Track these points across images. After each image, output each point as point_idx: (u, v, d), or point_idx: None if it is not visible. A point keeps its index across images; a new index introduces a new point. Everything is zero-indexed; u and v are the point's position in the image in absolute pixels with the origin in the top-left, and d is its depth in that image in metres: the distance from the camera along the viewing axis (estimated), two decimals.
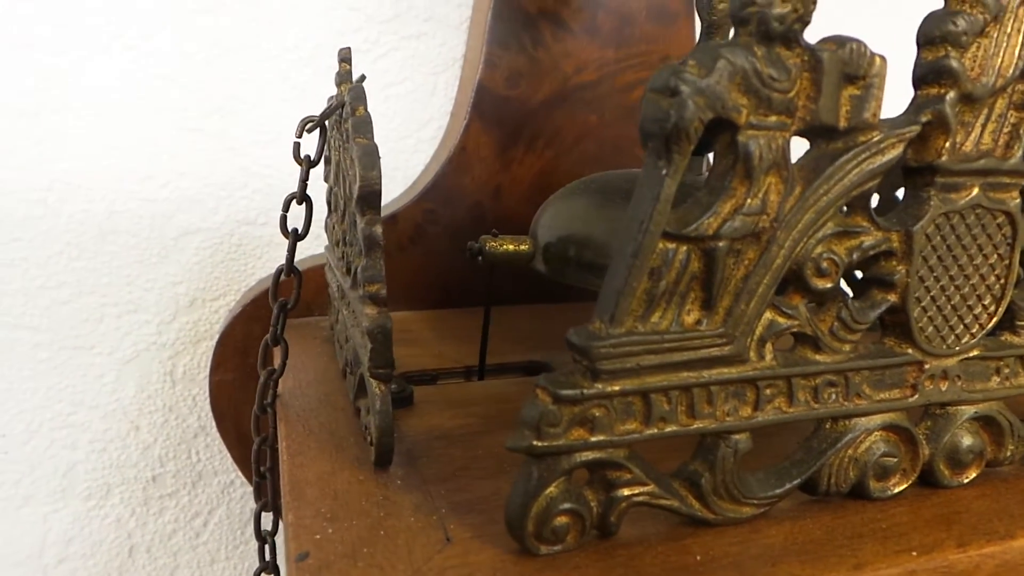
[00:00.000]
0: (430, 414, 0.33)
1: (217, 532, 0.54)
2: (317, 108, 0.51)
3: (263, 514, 0.37)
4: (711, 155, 0.23)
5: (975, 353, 0.27)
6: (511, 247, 0.37)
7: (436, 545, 0.23)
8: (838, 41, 0.22)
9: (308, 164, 0.33)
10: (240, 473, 0.52)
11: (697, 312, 0.23)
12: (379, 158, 0.26)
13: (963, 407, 0.27)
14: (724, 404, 0.23)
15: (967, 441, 0.27)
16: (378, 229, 0.26)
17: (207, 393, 0.51)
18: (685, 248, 0.22)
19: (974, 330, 0.26)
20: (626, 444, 0.22)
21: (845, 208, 0.24)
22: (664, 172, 0.21)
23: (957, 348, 0.26)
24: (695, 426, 0.23)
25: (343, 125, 0.30)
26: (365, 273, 0.26)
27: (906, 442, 0.26)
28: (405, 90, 0.52)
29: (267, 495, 0.36)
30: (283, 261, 0.34)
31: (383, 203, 0.50)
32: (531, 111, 0.51)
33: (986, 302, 0.26)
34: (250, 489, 0.54)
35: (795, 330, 0.24)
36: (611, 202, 0.37)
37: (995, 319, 0.27)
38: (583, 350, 0.22)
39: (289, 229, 0.34)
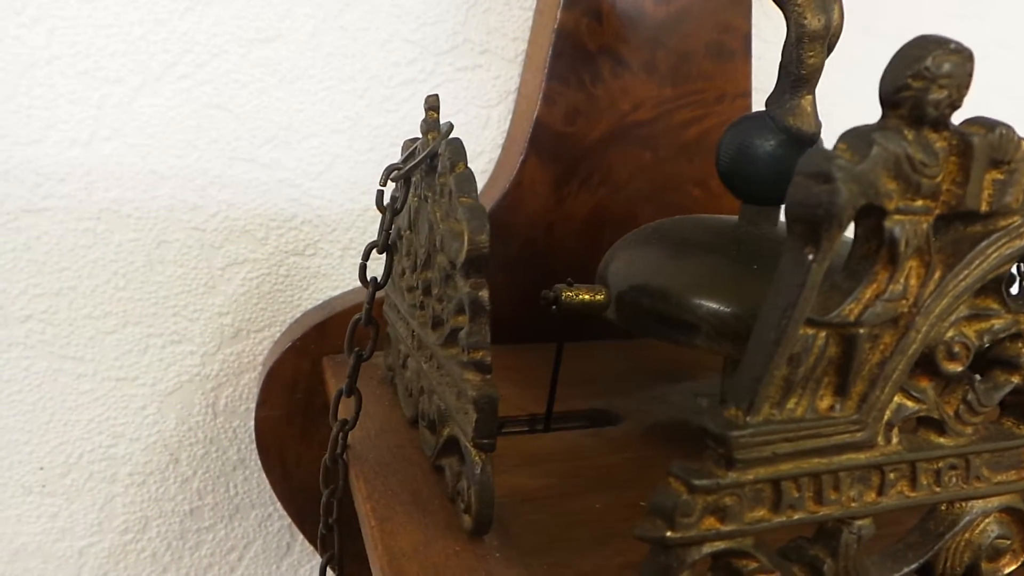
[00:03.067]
0: (507, 472, 0.32)
1: (252, 566, 0.53)
2: (369, 140, 0.50)
3: (328, 569, 0.36)
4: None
5: None
6: (587, 297, 0.36)
7: None
8: (987, 125, 0.21)
9: (392, 213, 0.32)
10: (279, 506, 0.51)
11: (830, 398, 0.22)
12: (487, 220, 0.26)
13: None
14: (850, 490, 0.23)
15: None
16: (485, 295, 0.26)
17: (248, 426, 0.50)
18: (824, 334, 0.21)
19: None
20: (754, 532, 0.22)
21: (979, 291, 0.23)
22: (811, 258, 0.20)
23: None
24: (821, 512, 0.22)
25: (438, 178, 0.29)
26: (471, 339, 0.26)
27: (1019, 523, 0.26)
28: (459, 122, 0.52)
29: (332, 548, 0.35)
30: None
31: None
32: (587, 148, 0.50)
33: None
34: (287, 523, 0.53)
35: (922, 414, 0.23)
36: (686, 252, 0.36)
37: None
38: (721, 439, 0.21)
39: (368, 278, 0.33)
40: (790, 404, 0.21)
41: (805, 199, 0.20)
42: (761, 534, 0.22)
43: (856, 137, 0.20)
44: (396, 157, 0.37)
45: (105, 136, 0.45)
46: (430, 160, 0.31)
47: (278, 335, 0.50)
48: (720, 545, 0.21)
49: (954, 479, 0.24)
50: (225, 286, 0.49)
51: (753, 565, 0.22)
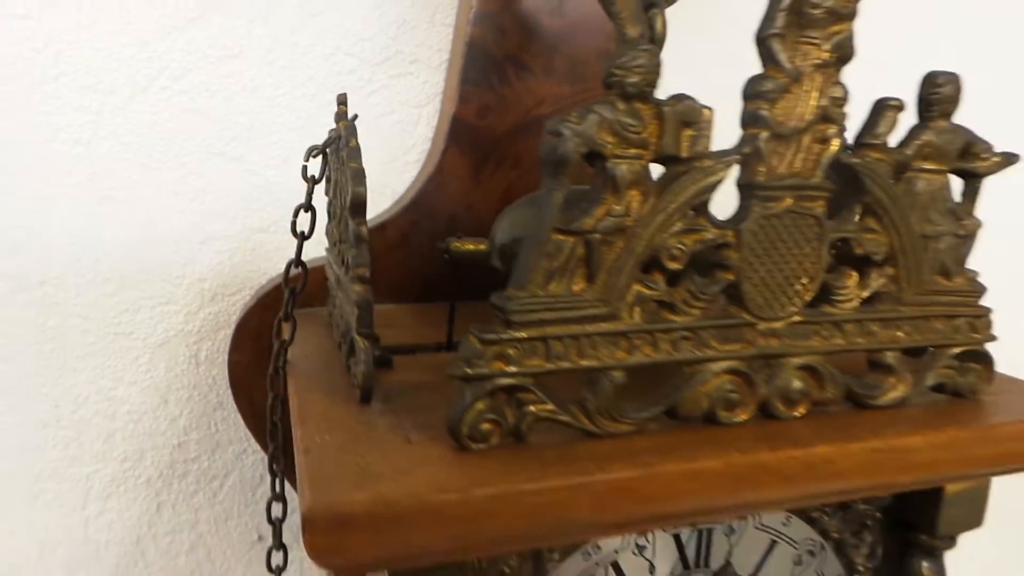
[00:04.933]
0: (406, 372, 0.43)
1: (232, 493, 0.64)
2: (319, 136, 0.61)
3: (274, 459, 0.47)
4: None
5: (797, 319, 0.36)
6: (471, 247, 0.47)
7: (400, 444, 0.33)
8: (678, 98, 0.32)
9: (312, 182, 0.43)
10: (253, 442, 0.62)
11: (582, 283, 0.33)
12: (365, 177, 0.37)
13: (791, 359, 0.37)
14: (604, 349, 0.33)
15: (796, 384, 0.37)
16: (364, 229, 0.36)
17: (225, 374, 0.61)
18: (572, 239, 0.32)
19: (795, 302, 0.36)
20: (532, 374, 0.32)
21: (692, 212, 0.34)
22: (554, 188, 0.31)
23: (783, 315, 0.36)
24: (583, 364, 0.33)
25: (340, 152, 0.40)
26: (355, 260, 0.36)
27: (746, 383, 0.36)
28: (392, 121, 0.63)
29: (277, 440, 0.46)
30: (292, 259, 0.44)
31: (375, 214, 0.60)
32: (498, 138, 0.61)
33: (804, 281, 0.36)
34: (261, 456, 0.64)
35: (657, 298, 0.34)
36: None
37: (812, 293, 0.36)
38: (500, 308, 0.32)
39: (297, 231, 0.44)
40: (551, 286, 0.32)
41: (547, 149, 0.31)
42: (540, 377, 0.33)
43: (584, 108, 0.31)
44: None
45: (103, 136, 0.56)
46: (339, 141, 0.42)
47: (248, 297, 0.61)
48: (505, 381, 0.32)
49: (687, 347, 0.35)
50: (203, 257, 0.60)
51: (532, 397, 0.33)
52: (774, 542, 0.44)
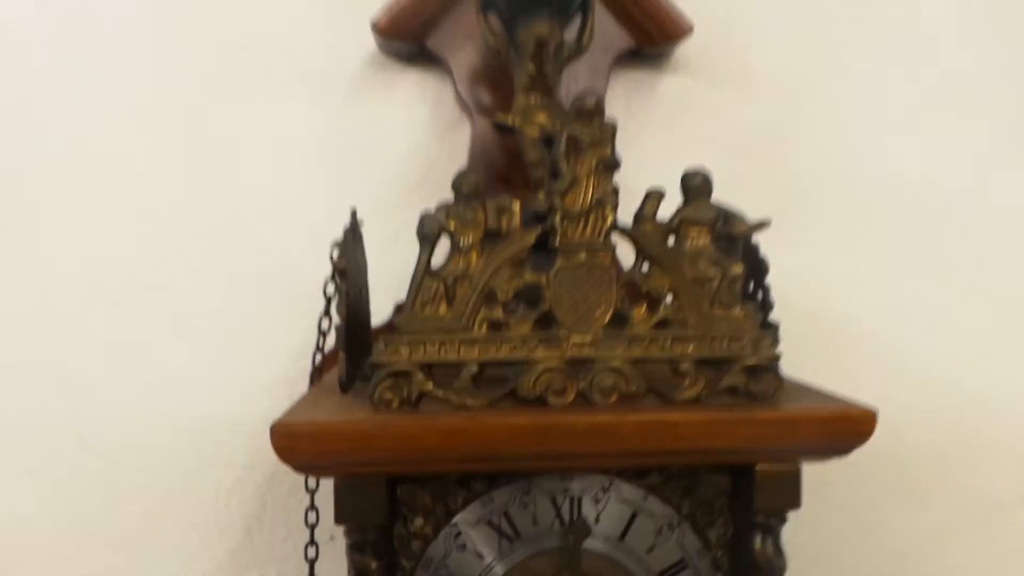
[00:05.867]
0: None
1: None
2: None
3: None
4: None
5: (601, 335, 0.55)
6: None
7: (346, 407, 0.55)
8: (496, 198, 0.54)
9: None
10: None
11: (445, 308, 0.54)
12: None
13: (603, 362, 0.55)
14: (462, 350, 0.54)
15: (607, 381, 0.55)
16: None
17: None
18: (436, 282, 0.54)
19: (597, 323, 0.55)
20: (415, 364, 0.53)
21: (515, 265, 0.55)
22: (424, 252, 0.54)
23: (589, 332, 0.55)
24: (448, 359, 0.54)
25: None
26: (336, 305, 0.61)
27: (567, 377, 0.55)
28: None
29: None
30: None
31: None
32: None
33: (600, 309, 0.55)
34: None
35: (493, 319, 0.54)
36: None
37: (608, 317, 0.55)
38: (396, 323, 0.54)
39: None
40: (425, 311, 0.54)
41: (418, 228, 0.54)
42: (423, 367, 0.54)
43: (439, 206, 0.54)
44: None
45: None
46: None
47: None
48: (399, 367, 0.53)
49: (520, 351, 0.54)
50: None
51: (418, 379, 0.54)
52: (635, 513, 0.59)
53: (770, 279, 0.62)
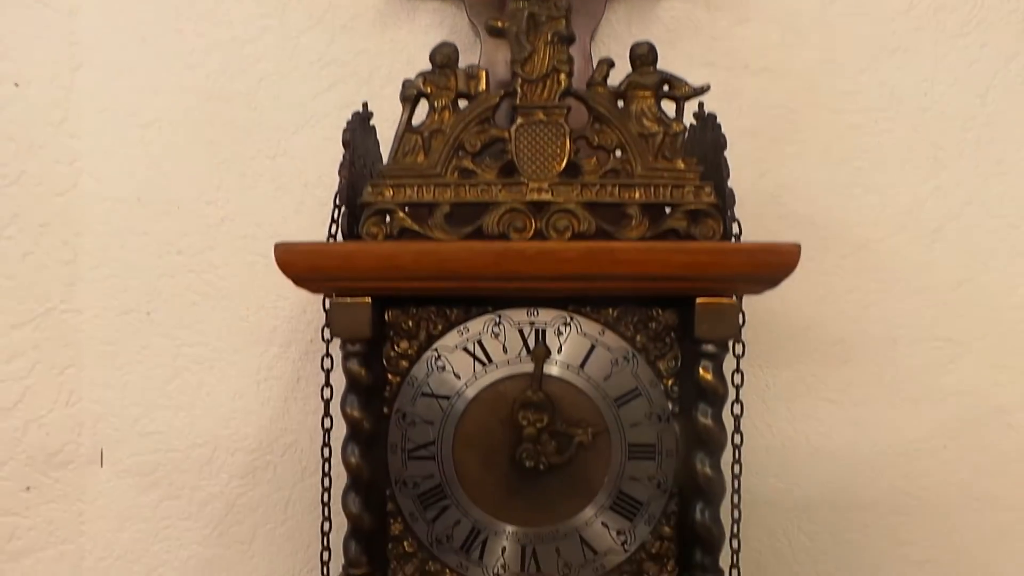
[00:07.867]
0: None
1: None
2: None
3: None
4: None
5: (557, 181, 0.64)
6: None
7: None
8: (467, 68, 0.64)
9: None
10: None
11: (422, 157, 0.65)
12: None
13: (557, 205, 0.64)
14: (436, 191, 0.64)
15: (561, 221, 0.64)
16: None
17: None
18: (415, 136, 0.65)
19: (553, 171, 0.64)
20: (397, 203, 0.64)
21: (484, 122, 0.64)
22: (405, 112, 0.64)
23: (546, 179, 0.64)
24: (424, 199, 0.64)
25: None
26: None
27: (526, 217, 0.64)
28: None
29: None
30: None
31: None
32: None
33: (556, 160, 0.64)
34: None
35: (462, 167, 0.64)
36: None
37: (562, 167, 0.64)
38: (381, 170, 0.65)
39: None
40: (406, 160, 0.64)
41: (401, 92, 0.65)
42: (404, 206, 0.64)
43: (419, 74, 0.65)
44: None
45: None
46: None
47: None
48: (383, 206, 0.64)
49: (486, 194, 0.64)
50: None
51: (399, 216, 0.64)
52: (593, 346, 0.68)
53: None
